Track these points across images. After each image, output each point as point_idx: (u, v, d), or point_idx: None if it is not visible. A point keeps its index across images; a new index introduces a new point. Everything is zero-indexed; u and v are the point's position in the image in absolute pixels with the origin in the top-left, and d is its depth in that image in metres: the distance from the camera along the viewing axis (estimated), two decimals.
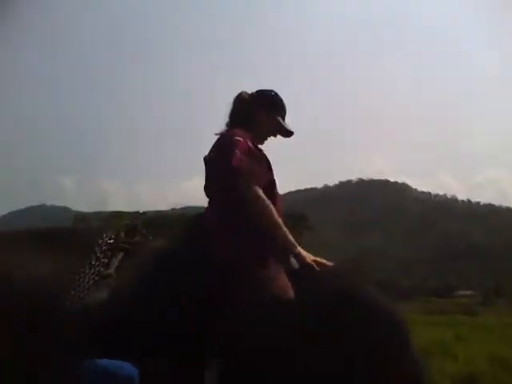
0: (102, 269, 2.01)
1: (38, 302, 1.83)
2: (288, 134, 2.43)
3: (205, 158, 2.25)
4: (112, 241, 2.15)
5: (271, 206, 2.03)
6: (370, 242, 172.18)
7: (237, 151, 2.05)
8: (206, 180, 2.26)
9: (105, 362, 1.30)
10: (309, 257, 2.04)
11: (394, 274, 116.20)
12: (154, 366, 1.73)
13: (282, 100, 2.42)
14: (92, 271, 1.99)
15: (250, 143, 2.16)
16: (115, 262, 2.04)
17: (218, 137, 2.28)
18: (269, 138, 2.42)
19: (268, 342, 1.74)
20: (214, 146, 2.25)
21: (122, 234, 2.21)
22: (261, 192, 2.03)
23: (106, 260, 2.06)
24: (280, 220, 2.04)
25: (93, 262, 2.03)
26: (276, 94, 2.42)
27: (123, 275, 1.98)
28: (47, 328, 1.78)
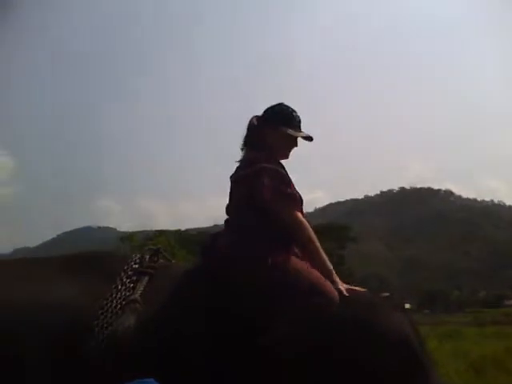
0: (127, 293, 2.00)
1: (67, 330, 1.87)
2: (308, 139, 2.41)
3: (231, 178, 2.31)
4: (137, 265, 2.15)
5: (312, 231, 2.14)
6: (415, 252, 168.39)
7: (267, 180, 2.12)
8: (229, 199, 2.31)
9: None
10: (342, 284, 2.11)
11: (442, 284, 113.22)
12: None
13: (288, 109, 2.39)
14: (118, 296, 1.99)
15: (276, 167, 2.21)
16: (140, 287, 2.03)
17: (240, 162, 2.32)
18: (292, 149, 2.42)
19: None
20: (241, 171, 2.28)
21: (147, 258, 2.21)
22: (301, 217, 2.14)
23: (131, 285, 2.05)
24: (319, 245, 2.14)
25: (119, 287, 2.04)
26: (281, 105, 2.40)
27: (148, 300, 1.98)
28: (77, 356, 1.80)
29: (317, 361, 1.86)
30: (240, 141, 2.39)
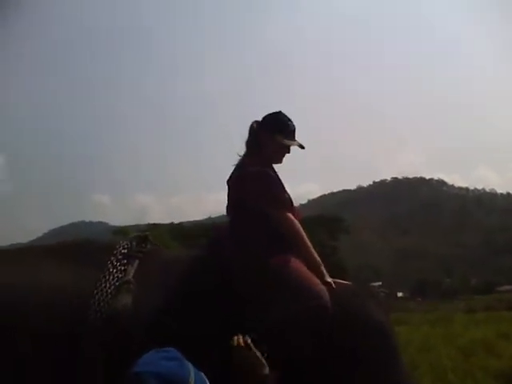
0: (120, 275, 2.15)
1: (65, 310, 2.01)
2: (301, 147, 2.59)
3: (228, 182, 2.48)
4: (126, 250, 2.29)
5: (301, 228, 2.32)
6: (408, 242, 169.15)
7: (252, 183, 2.32)
8: (228, 201, 2.48)
9: (155, 363, 1.30)
10: (328, 278, 2.29)
11: (435, 273, 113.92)
12: None
13: (284, 118, 2.58)
14: (111, 278, 2.13)
15: (266, 169, 2.39)
16: (132, 270, 2.17)
17: (235, 167, 2.51)
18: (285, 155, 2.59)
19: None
20: (233, 176, 2.48)
21: (134, 244, 2.35)
22: (291, 216, 2.33)
23: (122, 268, 2.19)
24: (308, 241, 2.32)
25: (111, 270, 2.17)
26: (277, 113, 2.58)
27: (141, 281, 2.12)
28: (77, 334, 1.94)
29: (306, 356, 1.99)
30: (240, 141, 2.56)
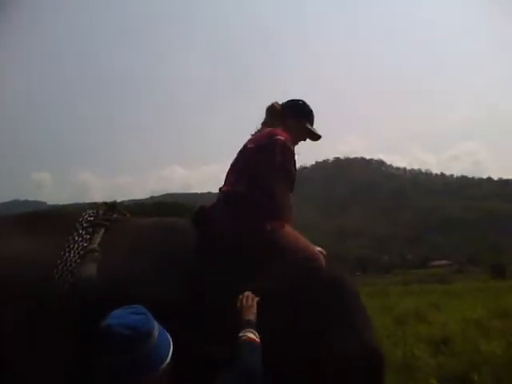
0: (85, 244, 2.07)
1: (29, 280, 1.93)
2: (316, 137, 2.69)
3: (245, 145, 2.45)
4: (92, 218, 2.22)
5: (289, 210, 2.38)
6: (348, 220, 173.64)
7: (279, 153, 2.29)
8: (234, 166, 2.43)
9: (119, 320, 1.37)
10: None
11: (373, 249, 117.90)
12: None
13: (309, 108, 2.66)
14: (76, 246, 2.06)
15: (289, 143, 2.39)
16: (97, 238, 2.10)
17: (258, 132, 2.52)
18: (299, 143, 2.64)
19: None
20: (256, 139, 2.44)
21: (101, 212, 2.29)
22: (289, 200, 2.37)
23: (88, 236, 2.12)
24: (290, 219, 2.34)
25: (76, 238, 2.10)
26: (304, 102, 2.66)
27: (107, 250, 2.05)
28: (41, 305, 1.88)
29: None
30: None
